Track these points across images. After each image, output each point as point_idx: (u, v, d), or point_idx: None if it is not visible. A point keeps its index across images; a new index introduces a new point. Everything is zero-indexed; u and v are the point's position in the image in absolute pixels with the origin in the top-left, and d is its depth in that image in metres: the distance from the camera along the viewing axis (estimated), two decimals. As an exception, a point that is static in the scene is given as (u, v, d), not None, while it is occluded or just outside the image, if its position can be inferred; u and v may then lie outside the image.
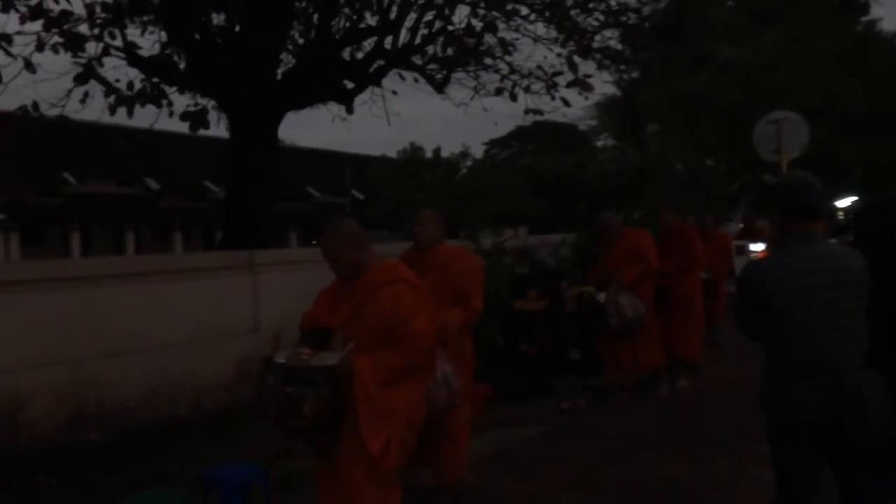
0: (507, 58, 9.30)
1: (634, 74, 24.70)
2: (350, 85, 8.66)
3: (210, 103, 9.68)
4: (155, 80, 9.15)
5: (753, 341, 2.83)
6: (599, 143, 30.61)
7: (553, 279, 7.34)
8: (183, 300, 5.67)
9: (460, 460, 4.15)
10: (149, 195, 26.97)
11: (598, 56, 9.81)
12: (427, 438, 3.60)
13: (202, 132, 9.86)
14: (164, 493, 3.76)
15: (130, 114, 10.06)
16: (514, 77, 9.32)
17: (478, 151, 39.01)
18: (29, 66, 7.71)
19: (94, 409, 5.08)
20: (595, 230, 6.86)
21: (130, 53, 8.51)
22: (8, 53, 7.56)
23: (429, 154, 28.43)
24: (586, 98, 10.45)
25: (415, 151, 28.49)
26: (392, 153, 29.18)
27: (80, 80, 7.40)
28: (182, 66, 8.79)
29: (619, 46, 9.62)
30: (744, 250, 6.78)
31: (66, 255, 23.65)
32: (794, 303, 2.62)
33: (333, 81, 8.63)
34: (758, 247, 6.20)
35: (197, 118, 10.05)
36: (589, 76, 7.97)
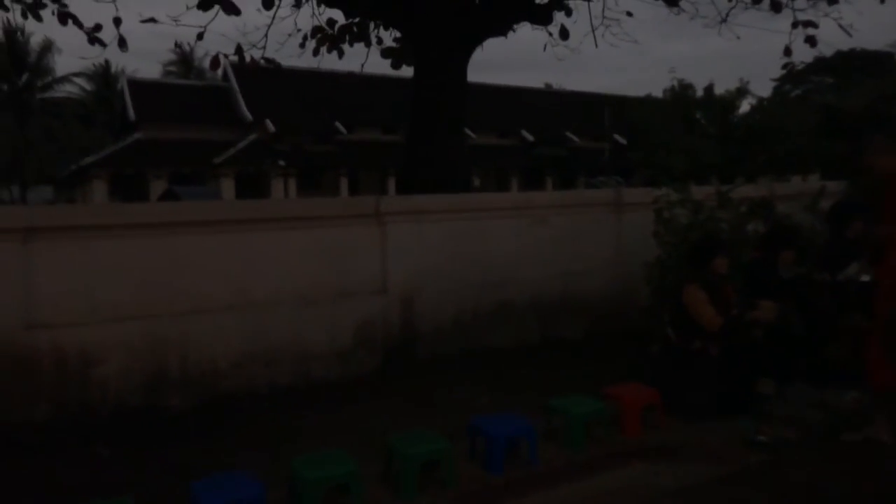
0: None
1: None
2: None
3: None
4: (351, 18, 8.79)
5: None
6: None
7: (775, 240, 5.00)
8: (292, 252, 4.97)
9: None
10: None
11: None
12: None
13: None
14: (426, 435, 3.68)
15: (340, 54, 9.92)
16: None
17: (763, 89, 34.43)
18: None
19: (176, 371, 4.57)
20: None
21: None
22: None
23: (700, 93, 25.47)
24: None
25: (683, 90, 25.69)
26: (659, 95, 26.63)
27: (204, 6, 7.16)
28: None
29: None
30: None
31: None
32: None
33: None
34: None
35: (398, 55, 9.61)
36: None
